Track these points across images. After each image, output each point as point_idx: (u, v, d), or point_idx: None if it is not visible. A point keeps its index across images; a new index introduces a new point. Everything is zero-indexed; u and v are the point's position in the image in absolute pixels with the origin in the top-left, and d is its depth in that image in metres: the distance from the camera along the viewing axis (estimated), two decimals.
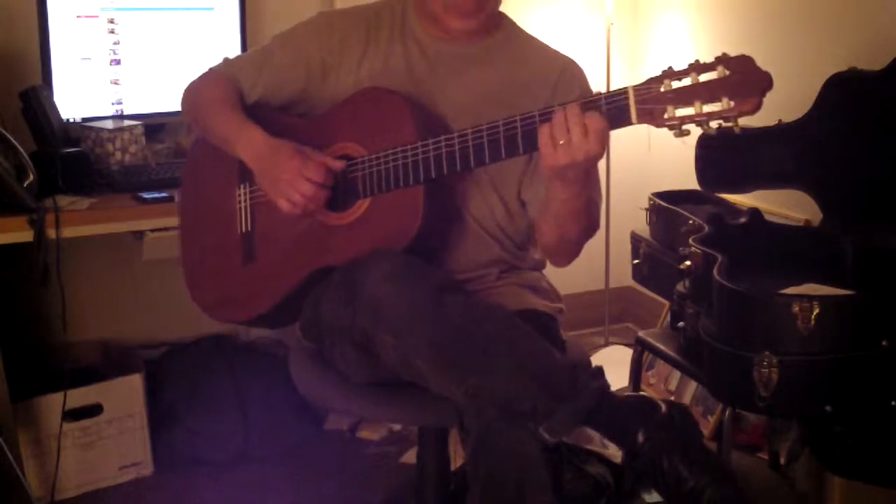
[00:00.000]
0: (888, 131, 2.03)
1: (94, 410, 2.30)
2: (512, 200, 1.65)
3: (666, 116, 1.29)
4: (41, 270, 2.00)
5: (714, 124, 1.28)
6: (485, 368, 1.36)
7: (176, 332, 2.64)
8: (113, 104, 2.41)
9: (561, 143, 1.34)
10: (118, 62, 2.40)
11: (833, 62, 2.18)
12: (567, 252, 1.61)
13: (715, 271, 1.77)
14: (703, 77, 1.28)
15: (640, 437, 1.35)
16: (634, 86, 1.32)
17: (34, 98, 2.17)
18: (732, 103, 1.26)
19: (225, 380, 2.46)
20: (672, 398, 2.64)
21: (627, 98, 1.32)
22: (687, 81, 1.29)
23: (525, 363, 1.36)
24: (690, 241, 1.95)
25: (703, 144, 2.33)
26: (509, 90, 1.61)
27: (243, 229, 1.70)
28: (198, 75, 1.77)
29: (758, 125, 2.27)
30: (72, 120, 2.33)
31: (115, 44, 2.39)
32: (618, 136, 3.01)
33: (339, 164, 1.57)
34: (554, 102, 1.58)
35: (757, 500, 2.20)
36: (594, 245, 3.07)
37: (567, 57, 1.69)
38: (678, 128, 1.30)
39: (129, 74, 2.41)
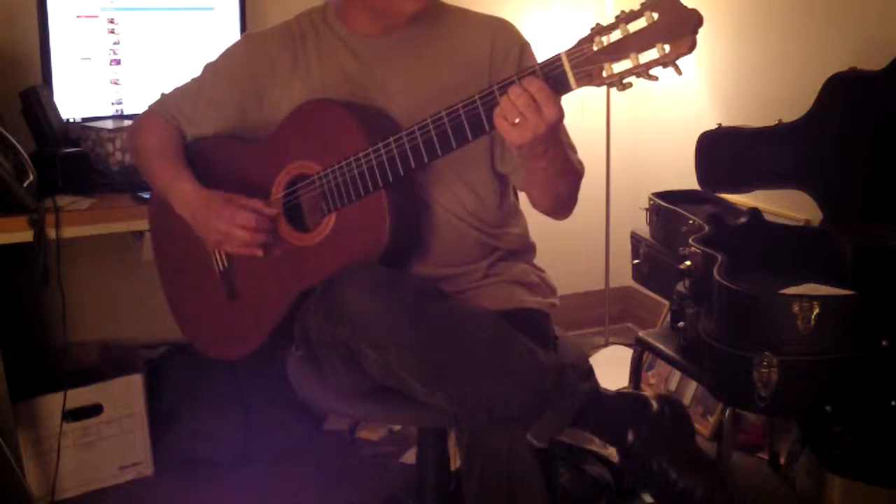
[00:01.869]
0: (888, 131, 2.03)
1: (94, 410, 2.30)
2: (478, 183, 1.63)
3: (605, 75, 1.27)
4: (41, 270, 2.00)
5: (653, 72, 1.26)
6: (468, 375, 1.35)
7: (176, 332, 2.61)
8: (113, 104, 2.41)
9: (516, 121, 1.32)
10: (118, 62, 2.40)
11: (833, 62, 2.18)
12: (565, 207, 1.61)
13: (715, 271, 1.77)
14: (633, 27, 1.25)
15: (630, 436, 1.34)
16: (566, 51, 1.30)
17: (34, 98, 2.17)
18: (667, 47, 1.23)
19: (225, 380, 2.46)
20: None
21: (562, 65, 1.30)
22: (617, 35, 1.26)
23: (508, 368, 1.35)
24: (690, 241, 1.95)
25: (704, 144, 2.33)
26: (447, 67, 1.60)
27: (221, 267, 1.71)
28: (141, 113, 1.81)
29: (758, 125, 2.28)
30: (72, 120, 2.33)
31: (115, 44, 2.39)
32: (618, 136, 3.04)
33: (271, 211, 1.59)
34: (493, 66, 1.58)
35: (757, 499, 2.20)
36: (594, 245, 3.10)
37: (495, 17, 1.66)
38: (619, 83, 1.28)
39: (129, 74, 2.41)
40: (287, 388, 1.73)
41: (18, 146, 2.02)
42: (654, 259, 2.42)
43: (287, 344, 1.68)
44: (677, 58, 1.24)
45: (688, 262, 1.94)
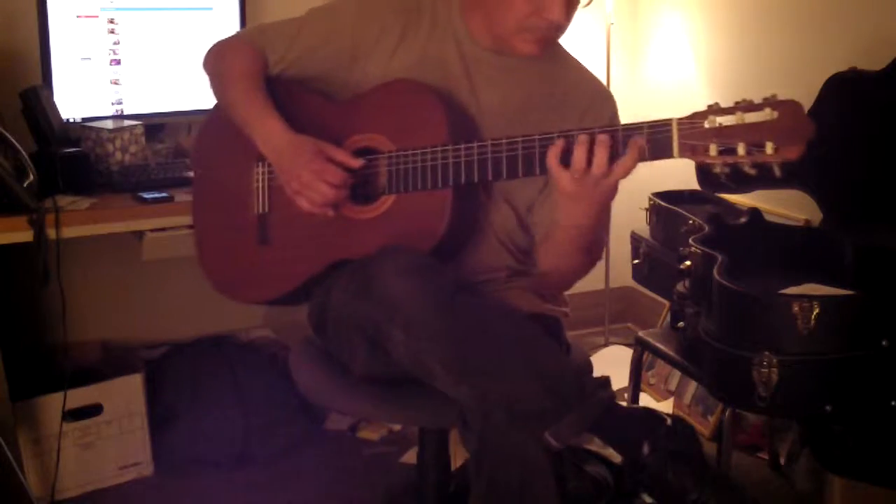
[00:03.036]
0: (888, 131, 2.03)
1: (94, 410, 2.30)
2: (523, 212, 1.64)
3: (710, 153, 1.27)
4: (41, 270, 2.00)
5: (752, 170, 1.25)
6: (495, 369, 1.35)
7: (176, 332, 2.63)
8: (113, 104, 2.41)
9: (577, 170, 1.33)
10: (118, 62, 2.40)
11: (833, 62, 2.18)
12: (559, 282, 1.61)
13: (715, 271, 1.77)
14: (749, 118, 1.25)
15: (646, 449, 1.35)
16: (678, 119, 1.29)
17: (34, 98, 2.17)
18: (776, 148, 1.23)
19: (225, 380, 2.46)
20: (672, 398, 2.64)
21: (671, 130, 1.30)
22: (731, 120, 1.26)
23: (536, 367, 1.35)
24: (690, 241, 1.95)
25: None
26: (540, 106, 1.59)
27: (260, 210, 1.68)
28: (227, 37, 1.74)
29: None
30: (72, 120, 2.33)
31: (115, 44, 2.39)
32: None
33: (358, 163, 1.55)
34: (581, 126, 1.58)
35: (757, 500, 2.20)
36: None
37: (602, 84, 1.67)
38: (720, 165, 1.27)
39: (129, 74, 2.41)
40: (287, 388, 1.73)
41: (18, 146, 2.02)
42: (654, 259, 2.42)
43: (294, 302, 1.67)
44: (782, 161, 1.24)
45: (688, 262, 1.95)
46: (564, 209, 1.42)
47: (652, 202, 2.44)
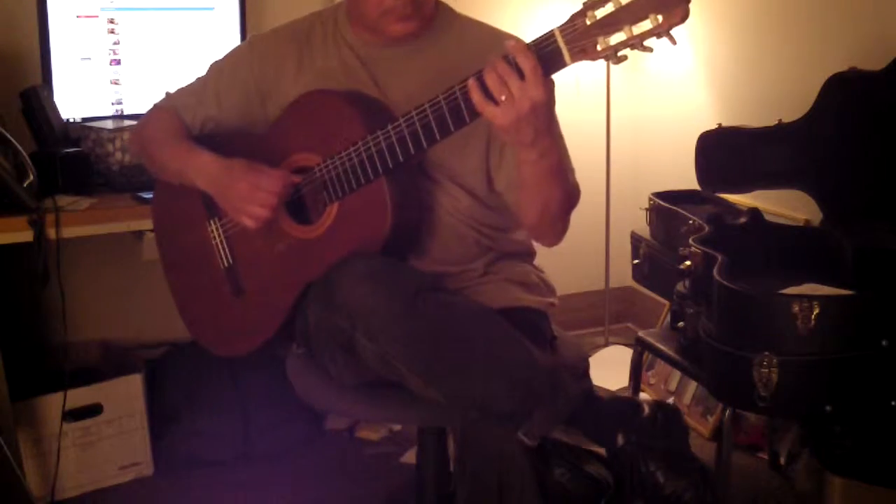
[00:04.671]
0: (888, 131, 2.03)
1: (94, 410, 2.30)
2: (478, 189, 1.61)
3: (599, 49, 1.28)
4: (41, 270, 2.00)
5: (648, 43, 1.26)
6: (460, 371, 1.35)
7: (176, 332, 2.61)
8: (113, 104, 2.41)
9: (503, 98, 1.32)
10: (118, 62, 2.40)
11: (833, 62, 2.18)
12: (553, 225, 1.55)
13: (715, 271, 1.77)
14: (624, 0, 1.25)
15: (620, 440, 1.34)
16: (559, 26, 1.31)
17: (34, 98, 2.17)
18: (660, 18, 1.24)
19: (225, 380, 2.46)
20: (672, 398, 2.64)
21: (556, 40, 1.30)
22: (610, 8, 1.26)
23: (502, 365, 1.35)
24: (690, 241, 1.95)
25: (704, 144, 2.33)
26: (448, 75, 1.55)
27: (225, 264, 1.70)
28: (144, 114, 1.79)
29: (758, 125, 2.28)
30: (72, 120, 2.33)
31: (115, 44, 2.39)
32: (618, 136, 3.03)
33: (295, 178, 1.57)
34: None
35: (757, 500, 2.20)
36: (594, 245, 3.10)
37: (505, 32, 1.64)
38: (613, 56, 1.28)
39: (129, 74, 2.41)
40: (287, 388, 1.73)
41: (18, 146, 2.02)
42: (654, 259, 2.42)
43: (290, 341, 1.68)
44: (670, 28, 1.25)
45: (688, 262, 1.95)
46: (517, 141, 1.38)
47: (652, 202, 2.44)
